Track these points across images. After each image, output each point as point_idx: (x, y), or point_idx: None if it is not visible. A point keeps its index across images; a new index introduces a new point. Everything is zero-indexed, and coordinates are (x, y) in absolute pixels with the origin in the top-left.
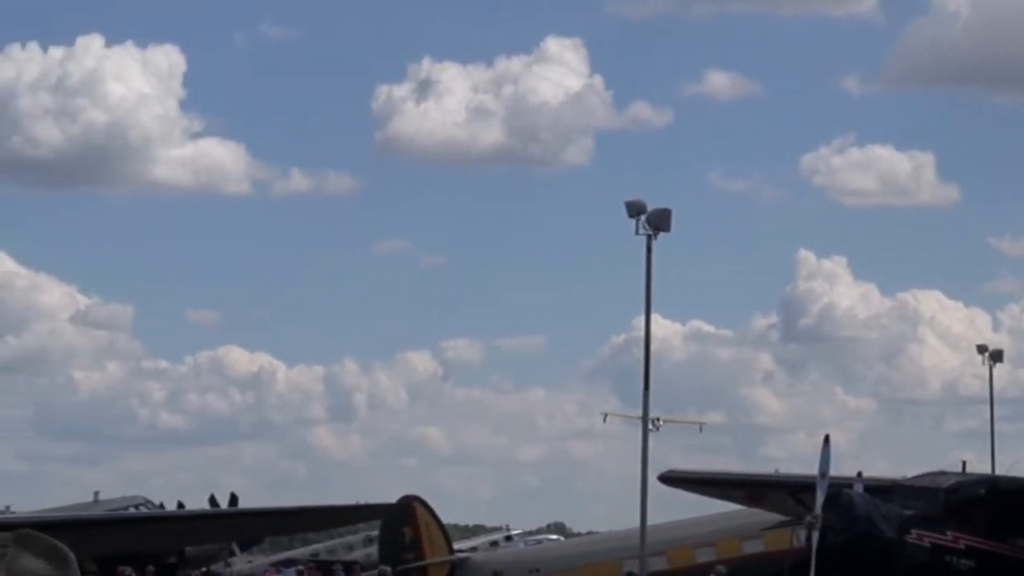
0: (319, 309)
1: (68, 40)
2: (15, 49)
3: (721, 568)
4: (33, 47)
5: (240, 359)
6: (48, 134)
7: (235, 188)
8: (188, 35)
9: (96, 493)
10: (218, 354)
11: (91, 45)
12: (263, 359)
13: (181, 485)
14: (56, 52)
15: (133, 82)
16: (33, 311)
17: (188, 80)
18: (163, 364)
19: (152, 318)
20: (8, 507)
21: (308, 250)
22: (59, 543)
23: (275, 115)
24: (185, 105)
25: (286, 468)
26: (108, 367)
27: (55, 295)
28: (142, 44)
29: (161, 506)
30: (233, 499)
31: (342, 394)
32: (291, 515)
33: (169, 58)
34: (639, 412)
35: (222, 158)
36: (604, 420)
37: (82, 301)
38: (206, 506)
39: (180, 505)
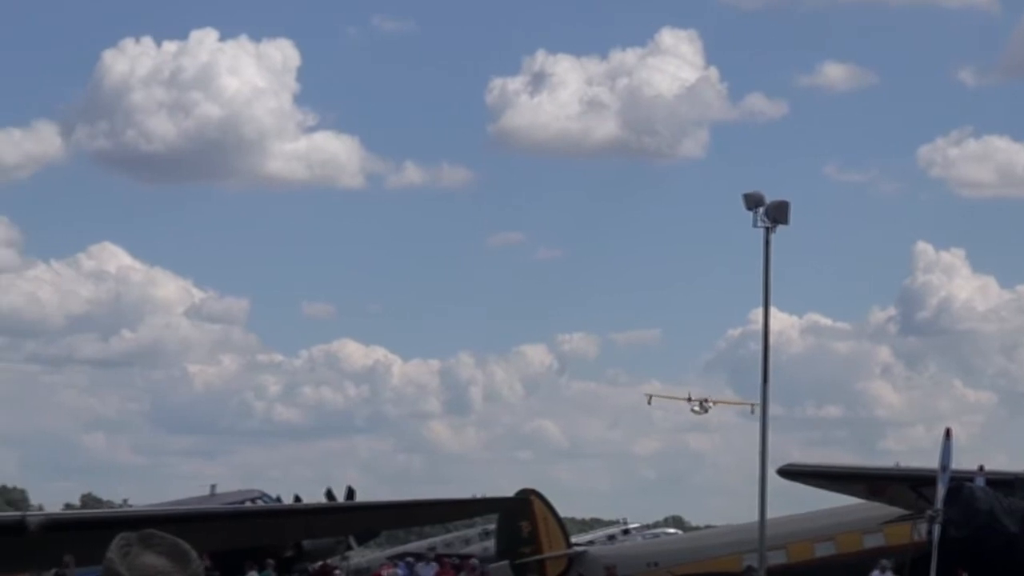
0: (434, 302)
1: (182, 34)
2: (129, 44)
3: (885, 562)
4: (147, 41)
5: (355, 353)
6: (162, 128)
7: (349, 182)
8: (302, 29)
9: (213, 487)
10: (333, 348)
11: (205, 39)
12: (378, 353)
13: (297, 479)
14: (170, 46)
15: (247, 76)
16: (149, 305)
17: (302, 74)
18: (278, 358)
19: (267, 312)
20: (125, 500)
21: (423, 243)
22: (182, 541)
23: (389, 108)
24: (299, 99)
25: (402, 462)
26: (223, 361)
27: (170, 289)
28: (256, 38)
29: (278, 500)
30: (350, 493)
31: (458, 388)
32: (408, 509)
33: (283, 52)
34: (684, 394)
35: (336, 152)
36: (649, 402)
37: (197, 295)
38: (323, 500)
39: (297, 499)
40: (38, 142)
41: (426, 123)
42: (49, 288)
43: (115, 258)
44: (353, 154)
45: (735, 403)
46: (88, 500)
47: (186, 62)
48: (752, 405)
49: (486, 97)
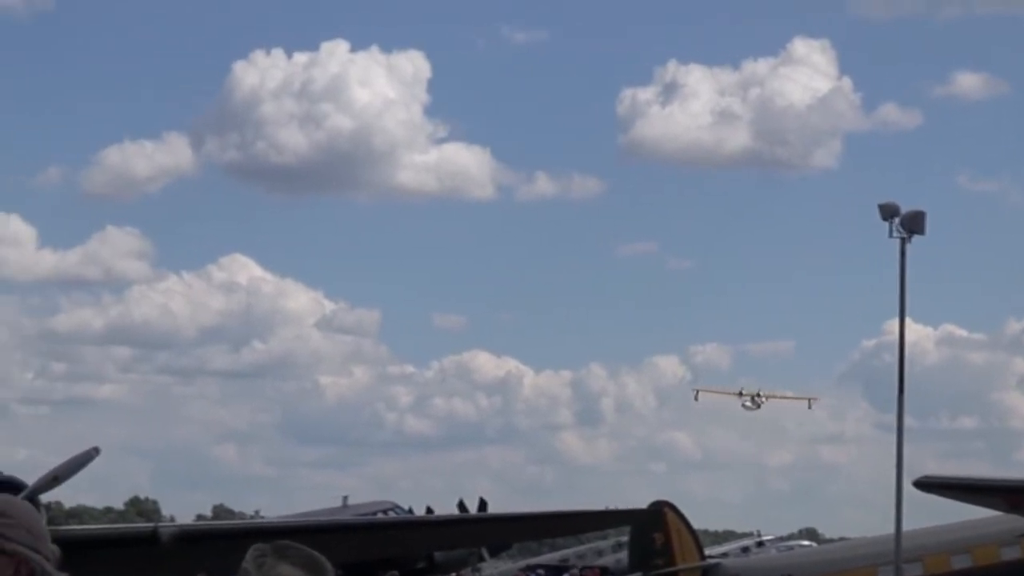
0: (565, 313)
1: (313, 45)
2: (260, 56)
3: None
4: (278, 53)
5: (487, 364)
6: (293, 140)
7: (480, 192)
8: (432, 40)
9: (345, 498)
10: (464, 359)
11: (336, 50)
12: (510, 364)
13: (428, 490)
14: (301, 58)
15: (378, 87)
16: (280, 316)
17: (433, 85)
18: (409, 369)
19: (398, 323)
20: (257, 512)
21: (553, 254)
22: (316, 553)
23: (520, 119)
24: (430, 110)
25: (533, 473)
26: (355, 372)
27: (301, 300)
28: (387, 49)
29: (410, 511)
30: (482, 504)
31: (589, 399)
32: (540, 520)
33: (414, 63)
34: (737, 389)
35: (467, 163)
36: (696, 398)
37: (328, 306)
38: (455, 511)
39: (429, 510)
40: (170, 154)
41: (557, 134)
42: (181, 300)
43: (246, 269)
44: (484, 165)
45: (792, 398)
46: (220, 511)
47: (317, 73)
48: (810, 400)
49: (617, 107)
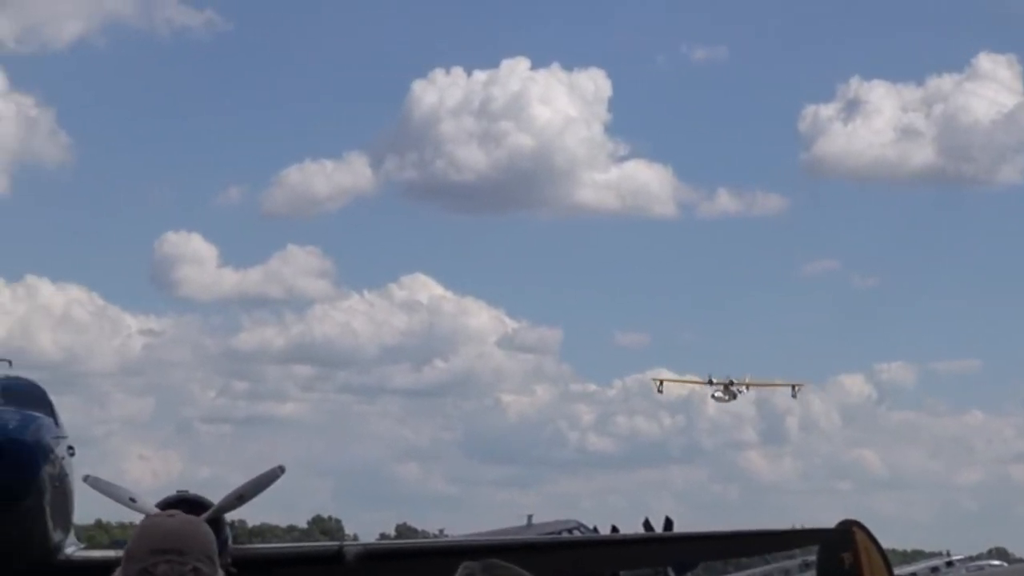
0: (749, 331)
1: (493, 63)
2: (439, 74)
3: None
4: (457, 71)
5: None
6: (472, 158)
7: (661, 210)
8: (613, 58)
9: (529, 517)
10: (647, 377)
11: (516, 68)
12: (787, 390)
13: (611, 509)
14: (480, 76)
15: (559, 105)
16: (461, 335)
17: (613, 104)
18: (591, 387)
19: (580, 341)
20: (442, 530)
21: (736, 271)
22: (524, 572)
23: (700, 136)
24: (610, 128)
25: (717, 492)
26: (536, 390)
27: (483, 319)
28: (568, 67)
29: (594, 530)
30: (668, 523)
31: (774, 417)
32: (727, 540)
33: (595, 82)
34: (696, 378)
35: (648, 180)
36: (659, 389)
37: (510, 325)
38: (640, 530)
39: (614, 529)
40: (349, 173)
41: (738, 150)
42: (362, 318)
43: (427, 288)
44: (665, 182)
45: (774, 384)
46: (403, 530)
47: (496, 91)
48: (794, 386)
49: (799, 124)
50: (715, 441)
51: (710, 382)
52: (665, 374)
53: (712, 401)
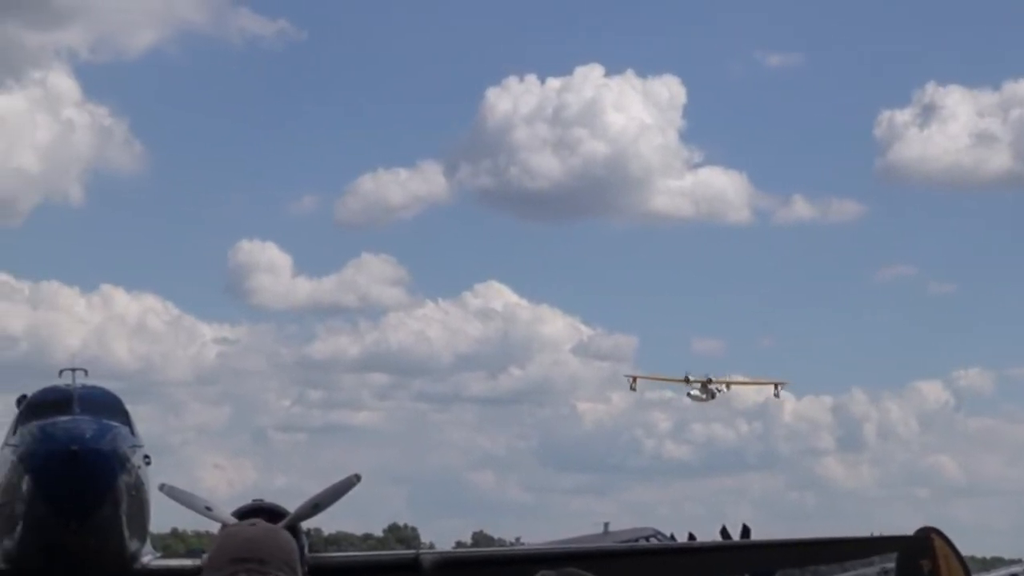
0: (825, 338)
1: (567, 70)
2: (512, 82)
3: None
4: (531, 79)
5: (746, 389)
6: (546, 166)
7: (736, 216)
8: (687, 65)
9: (606, 524)
10: (723, 384)
11: (590, 75)
12: (770, 389)
13: (688, 516)
14: (554, 83)
15: (634, 112)
16: (536, 343)
17: (688, 110)
18: (667, 394)
19: (656, 348)
20: (518, 538)
21: (812, 277)
22: None
23: (775, 143)
24: (685, 135)
25: (794, 499)
26: (612, 398)
27: (558, 326)
28: (642, 74)
29: (672, 537)
30: (745, 531)
31: (851, 424)
32: (805, 547)
33: (669, 88)
34: (671, 376)
35: (723, 187)
36: (632, 387)
37: (585, 332)
38: (717, 537)
39: (691, 536)
40: (423, 181)
41: (813, 157)
42: (437, 326)
43: (501, 296)
44: (740, 189)
45: (755, 383)
46: (479, 538)
47: (570, 98)
48: (776, 384)
49: (874, 130)
50: (792, 448)
51: (687, 380)
52: (736, 378)
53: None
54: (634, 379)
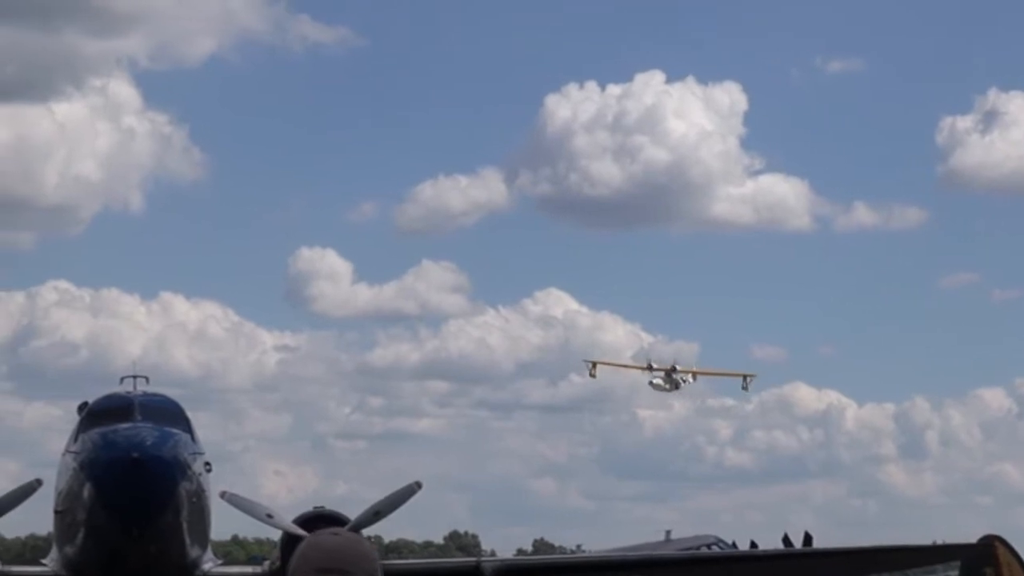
0: (887, 345)
1: (627, 77)
2: (573, 89)
3: None
4: (591, 86)
5: (807, 397)
6: (607, 173)
7: (797, 223)
8: (747, 71)
9: (668, 532)
10: (785, 392)
11: (651, 81)
12: (831, 396)
13: (750, 524)
14: (614, 90)
15: (694, 119)
16: (597, 350)
17: (748, 117)
18: (729, 402)
19: (717, 355)
20: (579, 546)
21: (874, 285)
22: None
23: (836, 149)
24: (746, 142)
25: (856, 507)
26: (673, 405)
27: (618, 333)
28: (703, 81)
29: (733, 545)
30: (807, 538)
31: (913, 432)
32: (867, 555)
33: (730, 95)
34: (632, 362)
35: (784, 194)
36: (591, 373)
37: (646, 339)
38: (779, 545)
39: (753, 544)
40: (483, 188)
41: (875, 163)
42: (498, 334)
43: (561, 303)
44: (801, 196)
45: (722, 374)
46: (540, 545)
47: (631, 105)
48: (746, 376)
49: (936, 136)
50: (854, 455)
51: (649, 368)
52: (803, 388)
53: (848, 415)
54: (593, 364)
